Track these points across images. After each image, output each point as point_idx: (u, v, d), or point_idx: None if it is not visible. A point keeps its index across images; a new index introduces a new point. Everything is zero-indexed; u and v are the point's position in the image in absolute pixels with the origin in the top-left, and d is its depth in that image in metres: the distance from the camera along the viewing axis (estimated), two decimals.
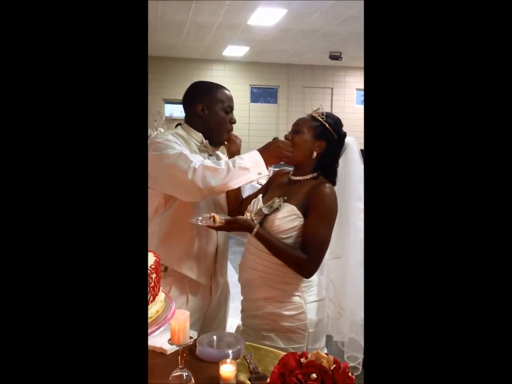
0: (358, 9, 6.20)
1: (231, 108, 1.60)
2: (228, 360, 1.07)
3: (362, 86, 10.76)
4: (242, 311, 1.54)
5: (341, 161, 1.51)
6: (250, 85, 10.65)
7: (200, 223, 1.39)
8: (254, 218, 1.42)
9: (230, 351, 1.16)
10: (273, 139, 1.59)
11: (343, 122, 1.52)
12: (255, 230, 1.36)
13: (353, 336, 1.48)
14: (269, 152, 1.43)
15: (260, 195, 1.53)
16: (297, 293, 1.42)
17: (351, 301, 1.47)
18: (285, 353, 0.98)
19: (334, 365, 0.89)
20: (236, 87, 10.27)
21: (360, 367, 1.47)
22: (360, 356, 1.48)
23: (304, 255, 1.35)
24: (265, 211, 1.41)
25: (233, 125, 1.62)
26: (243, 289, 1.54)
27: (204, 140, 1.58)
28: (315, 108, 1.50)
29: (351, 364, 1.46)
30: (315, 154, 1.44)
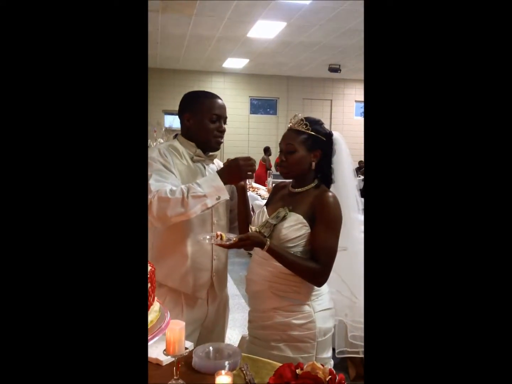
0: (356, 23, 6.27)
1: (218, 117, 1.55)
2: (224, 372, 1.06)
3: (361, 98, 10.94)
4: (250, 322, 1.53)
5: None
6: (250, 96, 10.73)
7: (208, 242, 1.38)
8: (262, 231, 1.41)
9: (226, 363, 1.15)
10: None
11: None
12: (267, 244, 1.36)
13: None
14: (230, 174, 1.40)
15: (264, 207, 1.54)
16: (306, 302, 1.42)
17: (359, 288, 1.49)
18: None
19: (330, 376, 0.89)
20: (236, 98, 10.35)
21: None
22: None
23: (317, 265, 1.37)
24: (273, 221, 1.41)
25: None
26: (251, 300, 1.53)
27: (197, 150, 1.57)
28: (292, 120, 1.48)
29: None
30: (313, 164, 1.45)
